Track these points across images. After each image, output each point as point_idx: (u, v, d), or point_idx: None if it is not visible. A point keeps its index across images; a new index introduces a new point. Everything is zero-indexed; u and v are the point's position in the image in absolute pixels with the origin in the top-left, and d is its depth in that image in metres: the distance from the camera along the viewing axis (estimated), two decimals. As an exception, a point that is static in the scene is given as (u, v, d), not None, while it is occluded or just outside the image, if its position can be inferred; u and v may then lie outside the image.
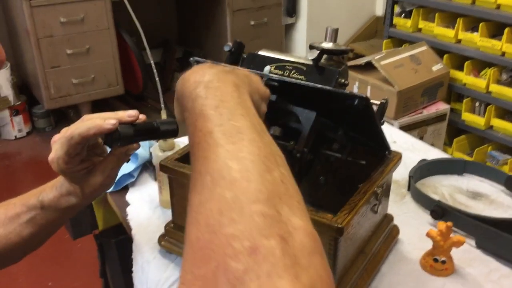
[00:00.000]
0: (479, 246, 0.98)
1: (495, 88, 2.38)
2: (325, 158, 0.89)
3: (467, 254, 0.96)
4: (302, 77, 0.83)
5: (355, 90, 2.47)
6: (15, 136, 3.20)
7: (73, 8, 2.89)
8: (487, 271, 0.93)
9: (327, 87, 0.76)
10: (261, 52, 0.90)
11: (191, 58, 0.86)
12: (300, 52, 3.88)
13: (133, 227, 1.03)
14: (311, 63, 0.83)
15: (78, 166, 0.75)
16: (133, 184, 1.16)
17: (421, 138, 2.47)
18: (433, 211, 1.04)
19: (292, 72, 0.84)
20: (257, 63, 0.88)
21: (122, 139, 0.73)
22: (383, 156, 0.92)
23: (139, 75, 3.26)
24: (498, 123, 2.45)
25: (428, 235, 0.91)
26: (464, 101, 2.55)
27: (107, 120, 0.72)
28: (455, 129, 2.66)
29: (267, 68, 0.84)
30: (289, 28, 3.86)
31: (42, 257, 2.28)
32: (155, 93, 3.49)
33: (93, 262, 1.28)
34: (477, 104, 2.55)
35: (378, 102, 0.87)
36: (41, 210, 0.78)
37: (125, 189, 1.16)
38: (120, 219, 1.11)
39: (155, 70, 1.12)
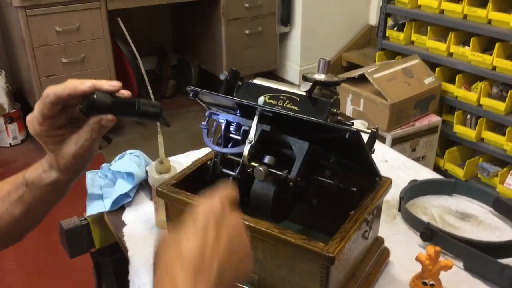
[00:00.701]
0: (467, 268, 1.01)
1: (486, 101, 2.42)
2: (317, 184, 0.91)
3: (455, 276, 0.98)
4: (295, 107, 0.86)
5: (349, 102, 2.50)
6: (10, 144, 3.20)
7: (68, 17, 2.90)
8: (474, 293, 0.96)
9: (320, 120, 0.79)
10: (255, 81, 0.93)
11: (188, 88, 0.88)
12: (294, 60, 3.91)
13: (130, 248, 1.05)
14: (304, 93, 0.86)
15: (53, 131, 0.74)
16: (129, 204, 1.18)
17: (413, 150, 2.51)
18: (422, 233, 1.06)
19: (286, 102, 0.86)
20: (252, 92, 0.90)
21: (97, 106, 0.72)
22: (374, 181, 0.94)
23: (134, 83, 3.27)
24: (489, 136, 2.48)
25: (417, 259, 0.94)
26: (456, 113, 2.59)
27: (84, 82, 0.72)
28: (447, 141, 2.69)
29: (261, 99, 0.87)
30: (284, 37, 3.89)
31: (40, 272, 2.29)
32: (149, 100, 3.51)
33: (90, 279, 1.30)
34: (468, 116, 2.58)
35: (369, 131, 0.90)
36: (27, 188, 0.78)
37: (122, 208, 1.17)
38: (116, 239, 1.13)
39: (146, 79, 1.12)
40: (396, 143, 2.42)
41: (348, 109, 2.52)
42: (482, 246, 1.01)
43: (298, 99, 0.86)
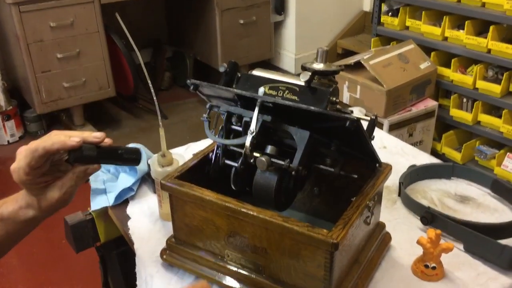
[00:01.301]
0: (467, 250, 1.03)
1: (481, 84, 2.43)
2: (318, 172, 0.93)
3: (456, 258, 1.00)
4: (295, 97, 0.87)
5: (345, 89, 2.51)
6: (8, 141, 3.21)
7: (62, 12, 2.89)
8: (475, 274, 0.98)
9: (320, 110, 0.80)
10: (254, 72, 0.94)
11: (188, 81, 0.89)
12: (290, 49, 3.91)
13: (135, 241, 1.06)
14: (303, 83, 0.87)
15: (38, 178, 0.78)
16: (132, 197, 1.19)
17: (410, 135, 2.52)
18: (423, 217, 1.08)
19: (286, 93, 0.87)
20: (251, 84, 0.91)
21: (84, 158, 0.77)
22: (374, 167, 0.96)
23: (130, 76, 3.27)
24: (485, 119, 2.50)
25: (418, 242, 0.95)
26: (452, 97, 2.60)
27: (72, 137, 0.76)
28: (444, 125, 2.71)
29: (261, 90, 0.88)
30: (278, 25, 3.89)
31: (43, 267, 2.31)
32: (146, 94, 3.51)
33: (95, 273, 1.31)
34: (464, 100, 2.60)
35: (368, 118, 0.91)
36: (1, 222, 0.82)
37: (125, 202, 1.19)
38: (121, 232, 1.14)
39: (145, 72, 1.13)
40: (393, 128, 2.44)
41: (345, 96, 2.53)
42: (481, 228, 1.03)
43: (298, 89, 0.87)
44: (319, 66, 0.88)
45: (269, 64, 4.07)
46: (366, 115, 2.42)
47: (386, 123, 2.40)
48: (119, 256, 1.23)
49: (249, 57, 3.72)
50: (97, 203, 1.19)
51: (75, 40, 2.98)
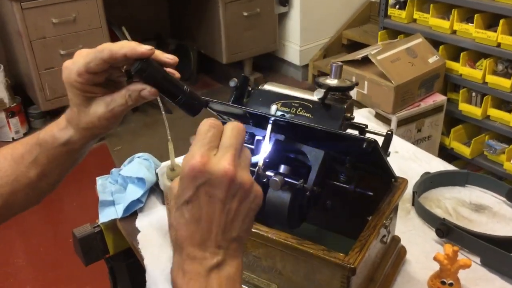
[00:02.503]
0: (484, 264, 1.01)
1: (491, 79, 2.39)
2: (333, 188, 0.90)
3: (472, 273, 0.98)
4: (309, 114, 0.84)
5: (352, 85, 2.47)
6: (13, 138, 3.19)
7: (64, 8, 2.86)
8: (492, 290, 0.96)
9: (335, 130, 0.77)
10: (266, 86, 0.91)
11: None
12: (294, 40, 3.86)
13: (145, 257, 1.05)
14: (317, 99, 0.84)
15: (88, 86, 0.69)
16: (141, 209, 1.18)
17: (419, 130, 2.49)
18: (438, 230, 1.06)
19: (299, 110, 0.85)
20: (263, 99, 0.88)
21: (148, 73, 0.67)
22: (389, 182, 0.94)
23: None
24: (495, 113, 2.46)
25: (435, 259, 0.93)
26: (461, 91, 2.57)
27: (142, 45, 0.67)
28: (453, 119, 2.67)
29: (273, 107, 0.85)
30: (282, 17, 3.83)
31: (52, 267, 2.30)
32: (151, 88, 3.47)
33: (104, 271, 1.29)
34: (473, 94, 2.56)
35: (384, 133, 0.88)
36: (41, 149, 0.75)
37: (134, 214, 1.17)
38: (131, 246, 1.12)
39: None
40: (401, 124, 2.41)
41: (353, 92, 2.48)
42: (498, 241, 1.01)
43: (311, 106, 0.85)
44: (333, 82, 0.85)
45: (274, 56, 4.02)
46: (376, 112, 2.38)
47: (394, 119, 2.37)
48: (128, 268, 1.22)
49: (253, 49, 3.68)
50: (106, 215, 1.17)
51: (78, 36, 2.95)
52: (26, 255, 2.45)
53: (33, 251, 2.43)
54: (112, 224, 1.17)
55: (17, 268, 2.35)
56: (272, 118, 0.81)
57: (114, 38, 3.10)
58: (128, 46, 0.66)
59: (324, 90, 0.82)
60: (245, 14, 3.50)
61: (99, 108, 0.70)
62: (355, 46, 3.59)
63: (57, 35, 2.88)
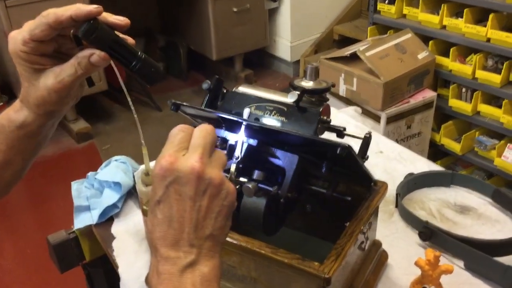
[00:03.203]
0: (468, 268, 0.98)
1: (481, 74, 2.36)
2: (310, 192, 0.88)
3: (456, 277, 0.95)
4: (283, 118, 0.81)
5: (341, 82, 2.44)
6: None
7: (51, 5, 2.71)
8: (476, 295, 0.93)
9: (308, 136, 0.74)
10: (241, 88, 0.88)
11: (168, 101, 0.83)
12: (285, 36, 3.82)
13: (120, 264, 1.02)
14: (291, 102, 0.81)
15: (35, 56, 0.66)
16: (117, 214, 1.14)
17: (408, 127, 2.47)
18: (421, 233, 1.03)
19: (273, 113, 0.82)
20: (237, 102, 0.85)
21: (96, 36, 0.63)
22: (369, 186, 0.91)
23: (122, 69, 3.19)
24: (485, 109, 2.44)
25: (416, 264, 0.91)
26: (451, 87, 2.54)
27: (89, 5, 0.64)
28: (443, 116, 2.65)
29: (247, 110, 0.82)
30: (273, 12, 3.79)
31: (38, 270, 2.27)
32: (139, 85, 3.44)
33: (83, 289, 1.27)
34: (463, 90, 2.53)
35: (362, 137, 0.85)
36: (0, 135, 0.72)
37: (110, 219, 1.14)
38: (106, 252, 1.09)
39: None
40: (391, 121, 2.38)
41: (341, 89, 2.47)
42: (482, 245, 0.98)
43: (286, 109, 0.81)
44: (308, 84, 0.82)
45: (265, 52, 3.99)
46: (365, 109, 2.34)
47: (383, 116, 2.34)
48: (106, 274, 1.19)
49: (244, 45, 3.65)
50: (81, 220, 1.14)
51: (64, 34, 2.90)
52: (13, 257, 2.41)
53: (21, 253, 2.40)
54: (88, 230, 1.14)
55: (4, 270, 2.32)
56: (245, 123, 0.78)
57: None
58: (73, 7, 0.63)
59: (298, 92, 0.79)
60: (235, 9, 3.46)
61: (48, 80, 0.67)
62: (347, 41, 3.55)
63: (42, 33, 2.83)
